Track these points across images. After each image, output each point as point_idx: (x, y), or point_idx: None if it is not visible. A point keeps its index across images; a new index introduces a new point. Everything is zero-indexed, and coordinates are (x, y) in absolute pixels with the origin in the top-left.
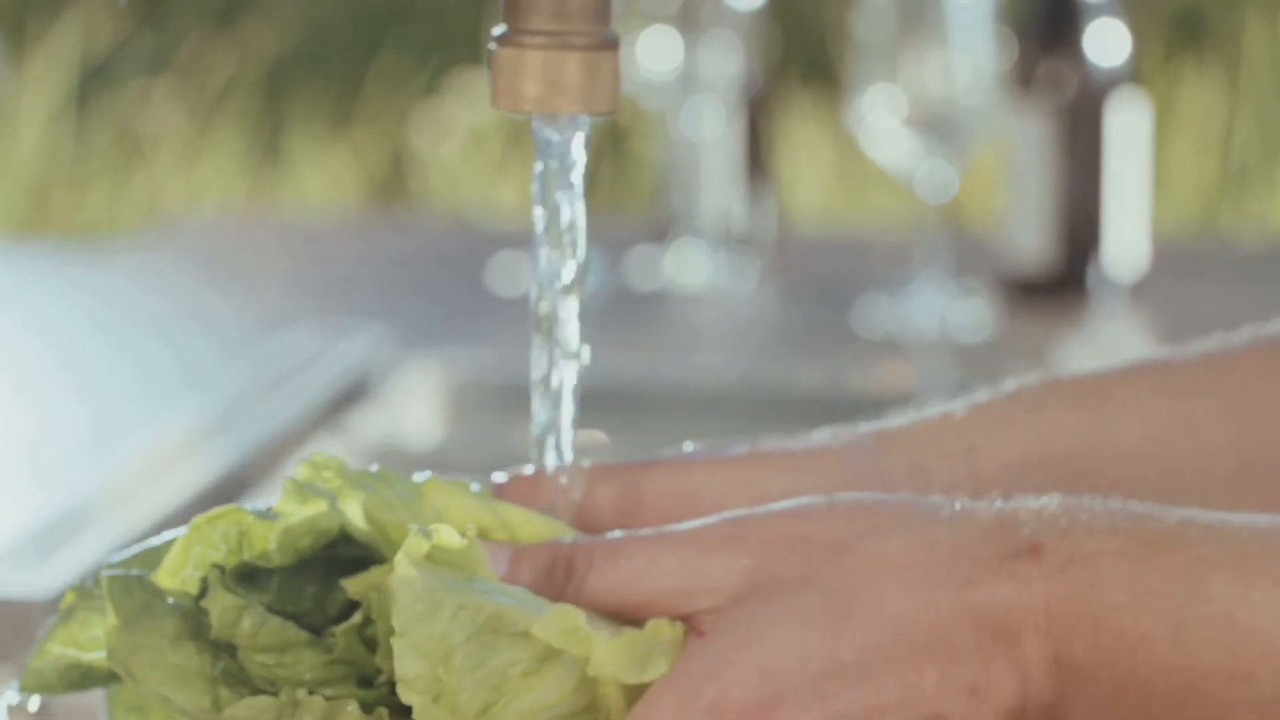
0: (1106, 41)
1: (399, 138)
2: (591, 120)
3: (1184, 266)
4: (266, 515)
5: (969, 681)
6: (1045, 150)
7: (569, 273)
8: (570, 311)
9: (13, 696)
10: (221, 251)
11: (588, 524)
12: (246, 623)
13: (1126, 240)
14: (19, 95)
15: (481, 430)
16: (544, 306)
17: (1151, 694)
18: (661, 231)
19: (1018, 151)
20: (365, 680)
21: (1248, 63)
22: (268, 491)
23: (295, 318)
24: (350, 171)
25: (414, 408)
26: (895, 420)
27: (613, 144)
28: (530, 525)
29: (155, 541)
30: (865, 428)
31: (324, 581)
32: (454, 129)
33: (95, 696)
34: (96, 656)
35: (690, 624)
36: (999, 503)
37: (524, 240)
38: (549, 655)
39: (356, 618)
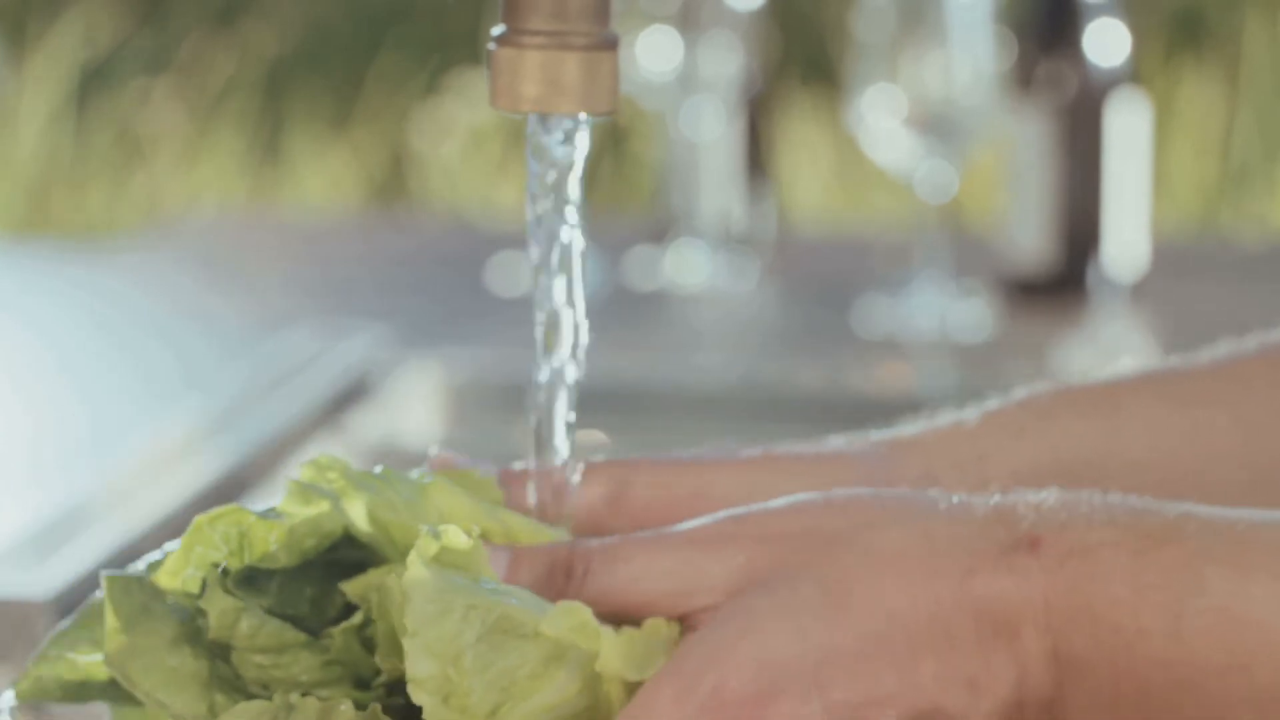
0: (1106, 41)
1: (399, 138)
2: (591, 120)
3: (1184, 266)
4: (268, 516)
5: (967, 674)
6: (1045, 150)
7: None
8: (569, 312)
9: (9, 698)
10: (221, 251)
11: (597, 522)
12: (244, 624)
13: (1126, 240)
14: (19, 95)
15: (481, 430)
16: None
17: (1149, 687)
18: (661, 231)
19: (1018, 151)
20: (362, 682)
21: (1248, 63)
22: (268, 491)
23: (295, 318)
24: (350, 171)
25: (414, 408)
26: (907, 427)
27: (612, 144)
28: (529, 530)
29: (154, 556)
30: (878, 434)
31: (323, 584)
32: (454, 129)
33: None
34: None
35: (688, 622)
36: (996, 497)
37: (524, 240)
38: (554, 656)
39: (356, 618)
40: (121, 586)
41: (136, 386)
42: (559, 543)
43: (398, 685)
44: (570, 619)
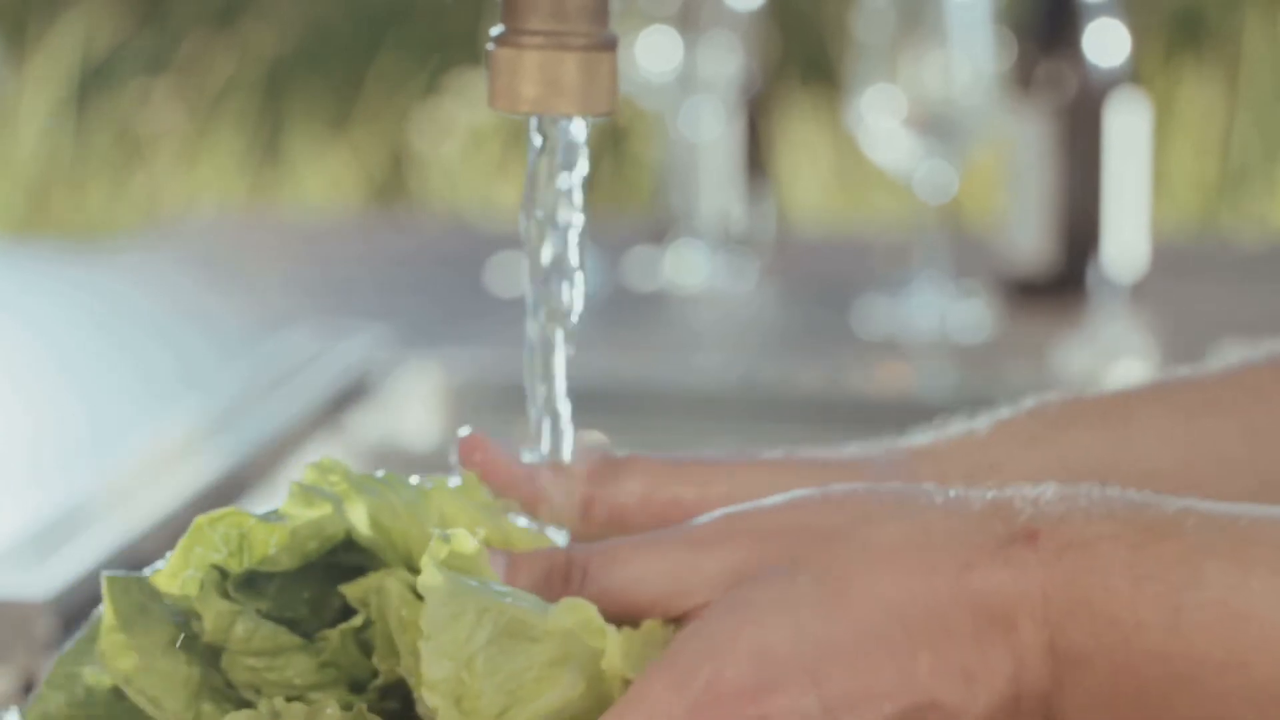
0: (1106, 42)
1: (399, 138)
2: (590, 121)
3: (1184, 266)
4: (269, 518)
5: (964, 667)
6: (1045, 150)
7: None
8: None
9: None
10: (221, 251)
11: (624, 518)
12: (239, 628)
13: (1126, 240)
14: (19, 95)
15: (481, 430)
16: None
17: (1147, 681)
18: (661, 232)
19: (1017, 151)
20: (357, 684)
21: (1248, 63)
22: (267, 492)
23: (295, 318)
24: (350, 171)
25: (413, 408)
26: (920, 435)
27: (612, 144)
28: (527, 536)
29: (160, 565)
30: (895, 442)
31: (321, 587)
32: (454, 129)
33: None
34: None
35: (685, 620)
36: (993, 491)
37: (523, 241)
38: (559, 660)
39: (356, 620)
40: (121, 586)
41: (136, 386)
42: (556, 547)
43: (392, 689)
44: (576, 614)
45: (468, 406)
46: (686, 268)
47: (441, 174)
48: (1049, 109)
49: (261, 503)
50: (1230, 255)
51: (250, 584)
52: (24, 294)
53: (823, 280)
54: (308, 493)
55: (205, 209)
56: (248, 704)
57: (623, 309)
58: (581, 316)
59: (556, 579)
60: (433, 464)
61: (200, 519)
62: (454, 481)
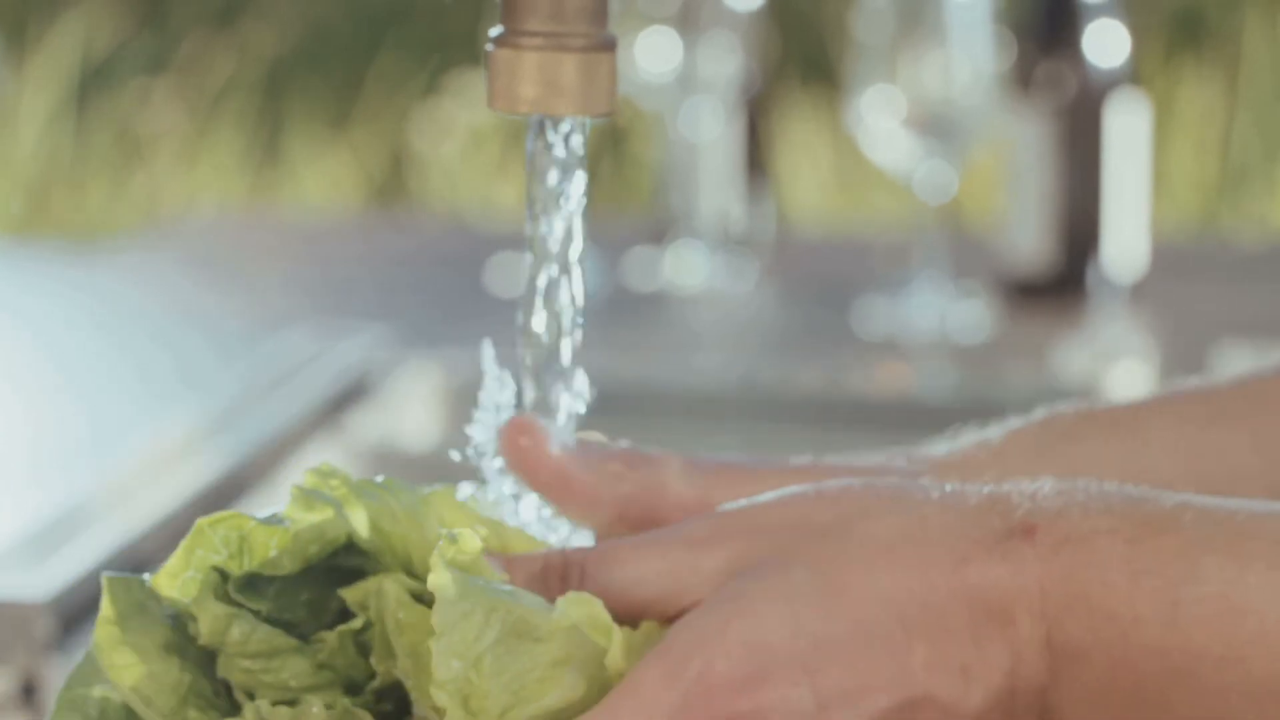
0: (1106, 42)
1: (399, 138)
2: (589, 122)
3: (1184, 267)
4: (270, 521)
5: (960, 661)
6: (1045, 150)
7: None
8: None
9: None
10: (221, 251)
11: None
12: (235, 631)
13: (1126, 241)
14: (19, 95)
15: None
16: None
17: (1144, 676)
18: (660, 232)
19: (1017, 152)
20: (353, 686)
21: (1248, 63)
22: (267, 492)
23: (295, 318)
24: (350, 171)
25: (413, 408)
26: (932, 446)
27: (611, 145)
28: (526, 541)
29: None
30: (913, 451)
31: (319, 589)
32: (453, 129)
33: None
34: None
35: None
36: (990, 486)
37: (523, 241)
38: (562, 660)
39: (356, 622)
40: (122, 584)
41: (136, 387)
42: (553, 549)
43: (387, 691)
44: (583, 608)
45: (467, 407)
46: (686, 268)
47: (441, 174)
48: (1049, 109)
49: (261, 503)
50: (1230, 255)
51: (251, 586)
52: (24, 294)
53: (822, 280)
54: (309, 497)
55: (205, 209)
56: (233, 712)
57: (623, 309)
58: (582, 317)
59: (554, 579)
60: (432, 464)
61: (201, 521)
62: (461, 492)
